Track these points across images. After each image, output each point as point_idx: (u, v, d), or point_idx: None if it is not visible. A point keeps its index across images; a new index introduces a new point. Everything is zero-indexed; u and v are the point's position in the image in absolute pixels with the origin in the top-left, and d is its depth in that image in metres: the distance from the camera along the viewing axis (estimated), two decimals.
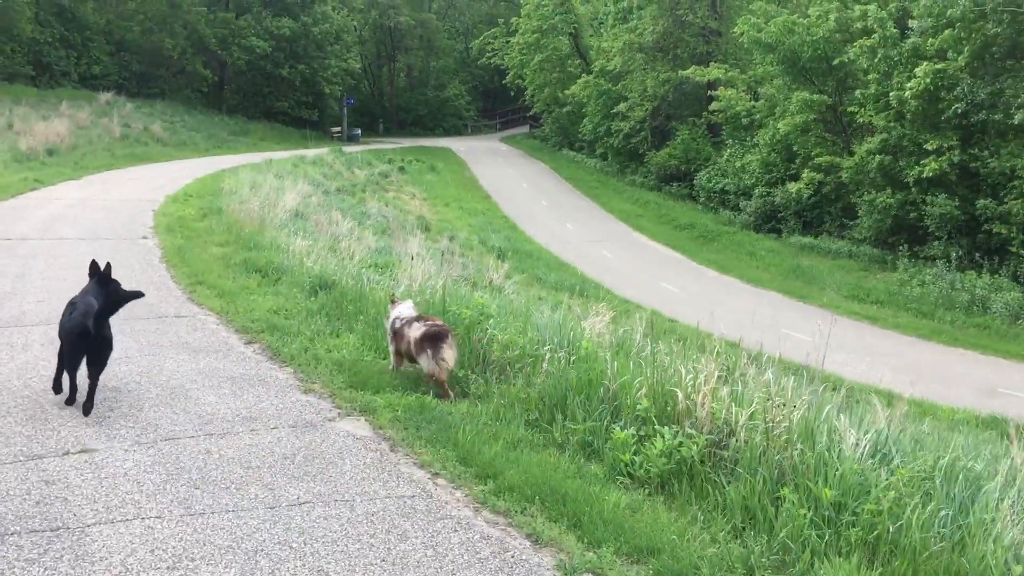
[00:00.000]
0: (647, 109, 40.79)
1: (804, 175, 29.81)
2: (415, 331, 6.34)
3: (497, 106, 77.22)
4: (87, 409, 5.63)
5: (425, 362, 6.29)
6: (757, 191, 32.76)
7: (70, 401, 5.77)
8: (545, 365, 6.34)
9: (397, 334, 6.60)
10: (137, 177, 25.60)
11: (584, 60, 51.21)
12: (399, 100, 70.43)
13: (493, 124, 75.89)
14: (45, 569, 3.79)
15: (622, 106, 41.99)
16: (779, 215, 31.89)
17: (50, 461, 4.97)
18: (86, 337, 5.54)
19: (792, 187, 30.35)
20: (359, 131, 58.21)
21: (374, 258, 14.33)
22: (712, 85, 36.62)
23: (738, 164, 34.65)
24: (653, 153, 40.33)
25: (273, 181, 23.04)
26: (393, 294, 7.69)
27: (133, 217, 17.38)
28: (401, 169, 40.28)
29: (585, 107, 46.52)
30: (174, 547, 4.04)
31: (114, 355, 6.20)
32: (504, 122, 75.45)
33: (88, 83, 43.44)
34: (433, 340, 6.17)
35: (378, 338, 7.73)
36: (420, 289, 8.79)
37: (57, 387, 5.96)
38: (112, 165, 28.84)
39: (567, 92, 48.13)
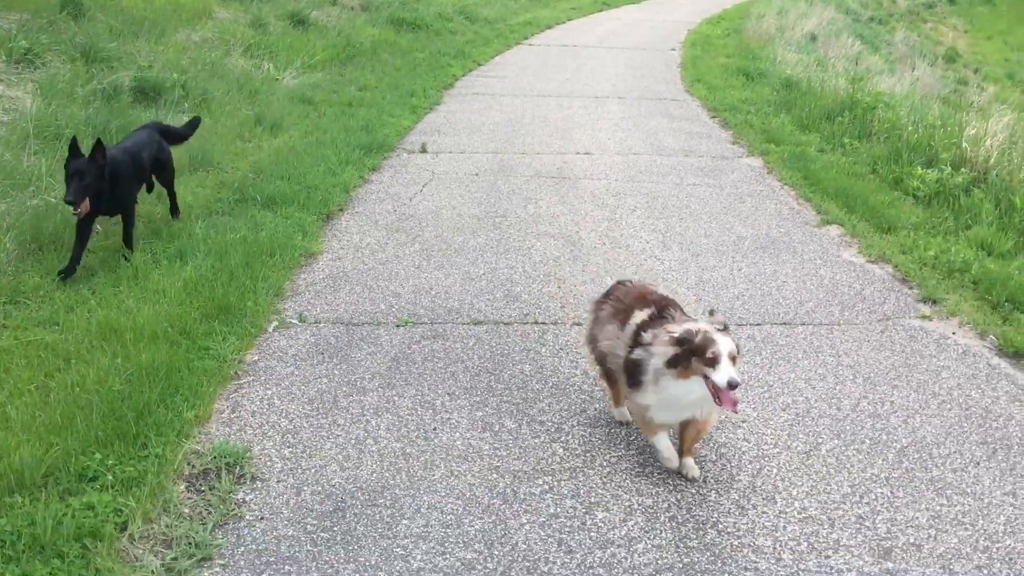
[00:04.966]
0: None
1: None
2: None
3: None
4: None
5: None
6: None
7: None
8: (905, 135, 8.63)
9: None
10: (687, 2, 29.28)
11: None
12: None
13: None
14: (559, 190, 7.53)
15: None
16: None
17: (566, 156, 8.78)
18: None
19: None
20: None
21: (858, 72, 16.26)
22: None
23: None
24: None
25: (803, 7, 25.14)
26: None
27: (670, 34, 21.12)
28: (951, 0, 38.76)
29: None
30: (619, 191, 7.56)
31: (620, 115, 9.90)
32: None
33: None
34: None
35: (802, 117, 10.43)
36: (853, 86, 11.06)
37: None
38: None
39: None
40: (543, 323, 4.81)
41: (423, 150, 8.69)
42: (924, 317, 4.99)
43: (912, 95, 13.08)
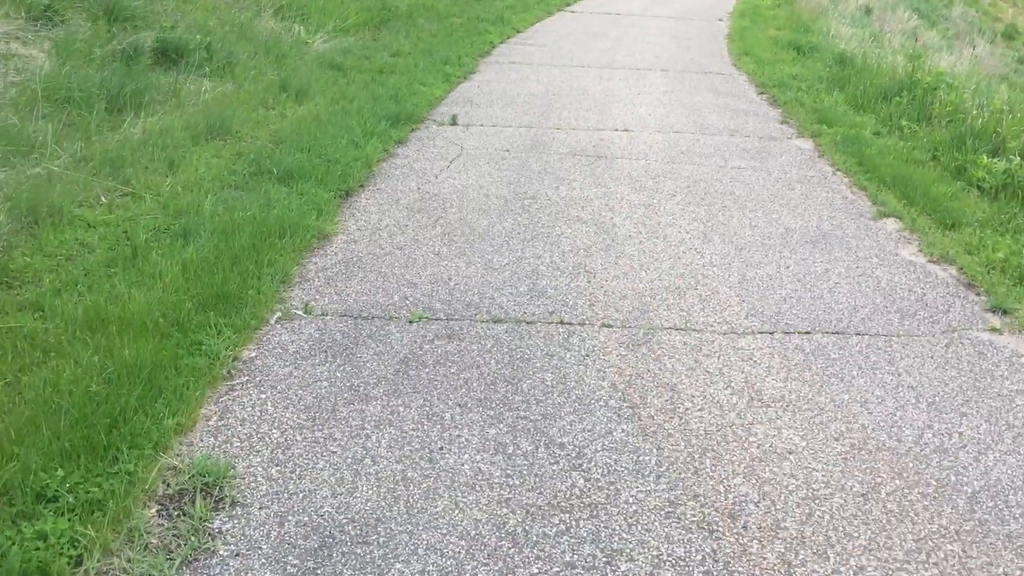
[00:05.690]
0: None
1: None
2: None
3: None
4: None
5: None
6: None
7: None
8: (969, 120, 8.02)
9: None
10: None
11: None
12: None
13: None
14: (594, 170, 7.06)
15: None
16: None
17: (603, 132, 8.29)
18: None
19: None
20: None
21: (912, 47, 15.51)
22: None
23: None
24: None
25: None
26: None
27: (717, 4, 20.41)
28: None
29: None
30: (658, 172, 7.07)
31: (662, 88, 9.36)
32: None
33: None
34: None
35: (856, 96, 9.82)
36: (912, 64, 10.41)
37: None
38: None
39: None
40: (569, 323, 4.38)
41: (453, 122, 8.26)
42: (994, 330, 4.50)
43: (974, 75, 12.37)
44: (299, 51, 10.21)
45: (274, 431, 3.36)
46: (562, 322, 4.39)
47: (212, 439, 3.29)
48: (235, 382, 3.69)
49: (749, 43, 14.21)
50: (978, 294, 4.93)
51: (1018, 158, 6.65)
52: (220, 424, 3.39)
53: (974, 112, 7.98)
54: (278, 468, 3.13)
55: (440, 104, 9.05)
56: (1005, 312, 4.68)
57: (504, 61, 11.77)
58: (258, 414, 3.47)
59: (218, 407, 3.50)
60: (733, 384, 3.83)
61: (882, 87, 9.82)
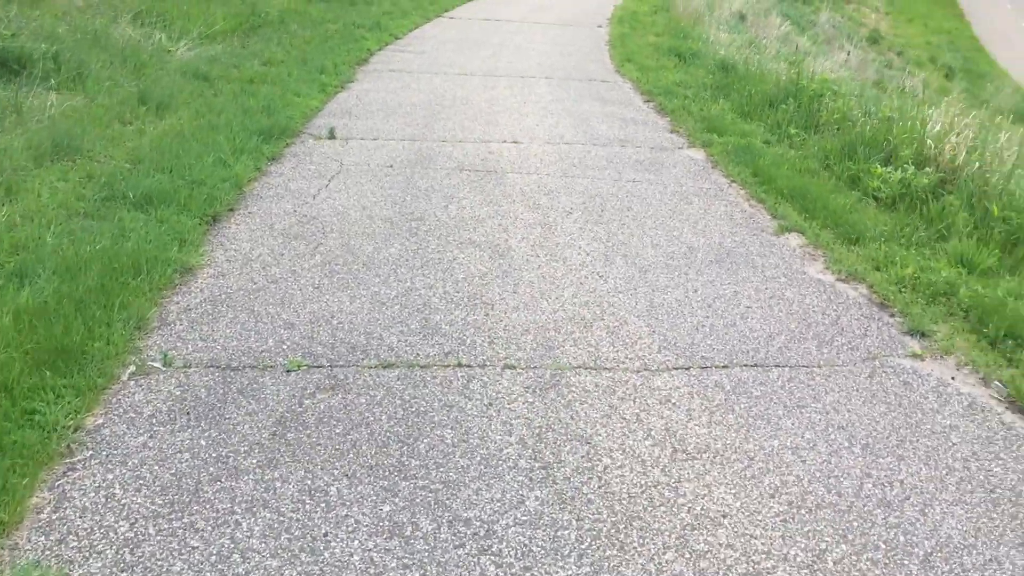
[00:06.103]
0: None
1: None
2: None
3: None
4: None
5: None
6: None
7: None
8: (857, 128, 7.95)
9: None
10: None
11: None
12: None
13: None
14: (484, 187, 6.64)
15: None
16: None
17: (491, 144, 7.88)
18: None
19: None
20: None
21: (792, 56, 15.70)
22: None
23: None
24: None
25: None
26: None
27: (597, 11, 20.33)
28: None
29: None
30: (551, 188, 6.70)
31: (548, 97, 8.99)
32: None
33: None
34: None
35: (742, 103, 9.71)
36: (796, 71, 10.40)
37: None
38: None
39: None
40: (468, 366, 3.93)
41: (331, 136, 7.70)
42: (915, 356, 4.27)
43: (851, 80, 12.53)
44: (160, 60, 9.45)
45: (122, 523, 2.79)
46: (460, 364, 3.94)
47: (43, 539, 2.70)
48: (76, 459, 3.10)
49: (631, 49, 14.09)
50: (892, 315, 4.72)
51: (912, 167, 6.57)
52: (54, 517, 2.80)
53: (862, 119, 7.92)
54: None
55: (316, 116, 8.48)
56: (923, 335, 4.47)
57: (383, 69, 11.25)
58: (103, 500, 2.89)
59: (53, 494, 2.91)
60: (653, 433, 3.46)
61: (767, 94, 9.75)
